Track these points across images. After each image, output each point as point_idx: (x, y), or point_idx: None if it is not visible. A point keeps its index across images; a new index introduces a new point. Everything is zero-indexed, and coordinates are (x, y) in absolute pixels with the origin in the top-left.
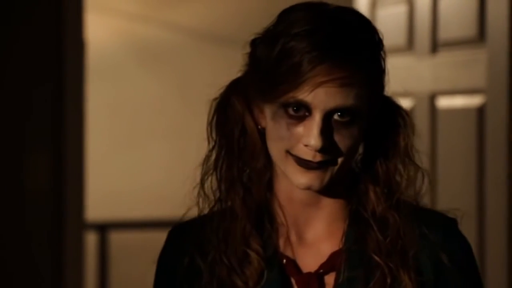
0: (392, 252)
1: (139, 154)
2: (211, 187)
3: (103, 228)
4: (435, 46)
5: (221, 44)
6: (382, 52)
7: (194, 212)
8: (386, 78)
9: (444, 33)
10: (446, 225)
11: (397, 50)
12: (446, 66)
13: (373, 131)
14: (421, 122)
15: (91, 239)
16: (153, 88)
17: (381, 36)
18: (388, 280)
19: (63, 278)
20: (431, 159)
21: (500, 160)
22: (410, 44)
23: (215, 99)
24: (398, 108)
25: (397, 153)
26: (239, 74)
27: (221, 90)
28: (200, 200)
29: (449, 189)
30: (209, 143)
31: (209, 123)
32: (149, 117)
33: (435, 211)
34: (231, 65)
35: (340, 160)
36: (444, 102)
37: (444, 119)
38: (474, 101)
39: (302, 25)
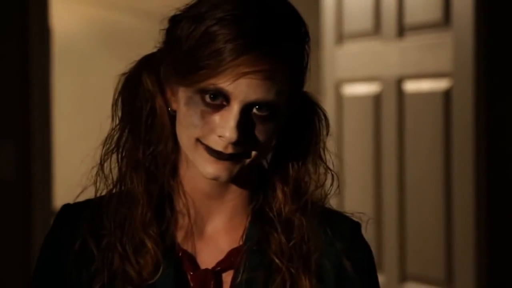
0: (294, 256)
1: None
2: (111, 168)
3: None
4: (401, 30)
5: None
6: (307, 46)
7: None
8: (308, 74)
9: (410, 17)
10: (351, 230)
11: (364, 35)
12: (413, 50)
13: (288, 128)
14: (388, 106)
15: None
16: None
17: (307, 30)
18: (288, 285)
19: (32, 268)
20: (398, 142)
21: (466, 143)
22: (376, 28)
23: (123, 74)
24: (315, 106)
25: (309, 153)
26: (154, 48)
27: (131, 65)
28: (98, 180)
29: (416, 172)
30: (113, 120)
31: (115, 100)
32: None
33: (341, 214)
34: None
35: (253, 153)
36: (411, 86)
37: (411, 103)
38: (440, 84)
39: (228, 9)
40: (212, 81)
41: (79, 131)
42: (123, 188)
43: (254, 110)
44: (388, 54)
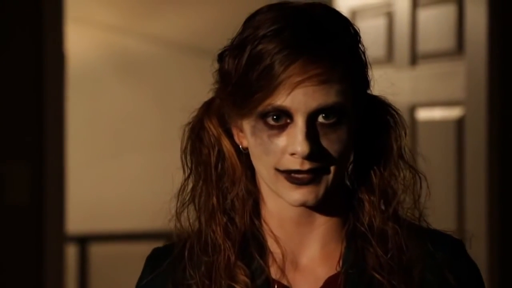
0: (394, 268)
1: (118, 165)
2: (189, 218)
3: (83, 241)
4: (414, 58)
5: (200, 55)
6: (360, 45)
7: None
8: (370, 73)
9: (423, 46)
10: (454, 246)
11: (377, 63)
12: (425, 78)
13: (362, 135)
14: None
15: (71, 252)
16: (133, 99)
17: (357, 29)
18: None
19: None
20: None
21: (479, 172)
22: (389, 56)
23: (187, 124)
24: (387, 106)
25: (390, 156)
26: (209, 92)
27: (193, 114)
28: (176, 232)
29: (429, 200)
30: (184, 172)
31: (183, 151)
32: (128, 128)
33: (441, 232)
34: (210, 78)
35: (332, 168)
36: (423, 114)
37: (423, 131)
38: (453, 113)
39: (269, 26)
40: (268, 101)
41: (91, 155)
42: (204, 237)
43: (321, 119)
44: (401, 82)
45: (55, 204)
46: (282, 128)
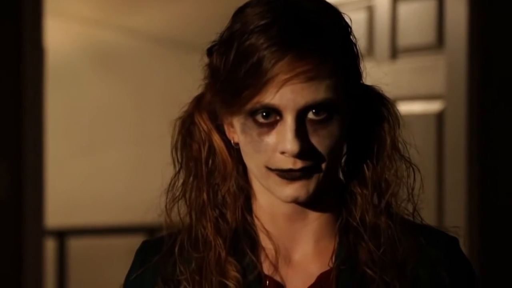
0: (387, 263)
1: (97, 159)
2: (179, 213)
3: (62, 235)
4: (394, 52)
5: (179, 49)
6: (351, 37)
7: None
8: (362, 64)
9: (404, 40)
10: (448, 243)
11: None
12: (406, 72)
13: (355, 127)
14: None
15: (49, 246)
16: (111, 93)
17: (347, 20)
18: None
19: (22, 286)
20: None
21: (459, 165)
22: (370, 50)
23: (178, 118)
24: (381, 97)
25: (383, 148)
26: (199, 87)
27: (184, 108)
28: (167, 227)
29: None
30: (174, 166)
31: (174, 145)
32: (107, 122)
33: (436, 228)
34: (188, 71)
35: (324, 165)
36: (403, 108)
37: (404, 125)
38: (433, 106)
39: (257, 21)
40: (256, 99)
41: (70, 149)
42: (194, 232)
43: (311, 116)
44: (381, 76)
45: (34, 199)
46: (271, 125)
